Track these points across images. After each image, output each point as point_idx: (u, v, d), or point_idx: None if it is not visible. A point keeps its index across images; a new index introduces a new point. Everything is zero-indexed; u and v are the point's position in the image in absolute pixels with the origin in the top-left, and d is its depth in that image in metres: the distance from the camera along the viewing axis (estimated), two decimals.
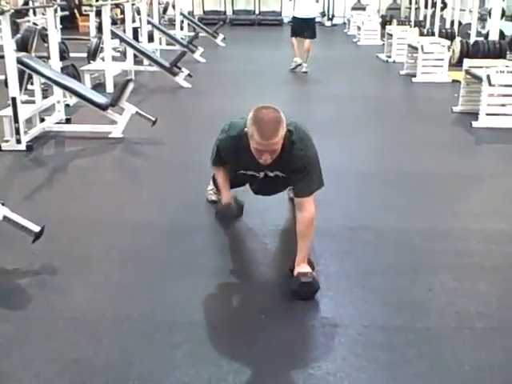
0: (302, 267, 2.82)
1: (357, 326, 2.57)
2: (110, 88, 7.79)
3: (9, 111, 5.09)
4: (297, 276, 2.78)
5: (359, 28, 14.03)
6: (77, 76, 6.97)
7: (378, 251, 3.30)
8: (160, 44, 11.84)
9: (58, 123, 5.91)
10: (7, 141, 5.17)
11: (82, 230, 3.57)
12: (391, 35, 10.88)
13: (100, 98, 5.53)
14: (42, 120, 5.81)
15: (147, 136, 5.57)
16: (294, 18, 9.64)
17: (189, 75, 8.28)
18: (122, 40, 8.30)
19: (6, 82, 5.86)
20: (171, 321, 2.62)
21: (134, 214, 3.79)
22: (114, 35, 8.17)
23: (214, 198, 3.76)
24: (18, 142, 5.10)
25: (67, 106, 6.61)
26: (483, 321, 2.62)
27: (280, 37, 15.93)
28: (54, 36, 5.96)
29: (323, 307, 2.73)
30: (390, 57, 10.84)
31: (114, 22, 9.80)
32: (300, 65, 9.51)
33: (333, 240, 3.43)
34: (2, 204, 3.18)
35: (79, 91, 5.53)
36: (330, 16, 19.43)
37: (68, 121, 6.08)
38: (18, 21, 7.22)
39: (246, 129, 2.71)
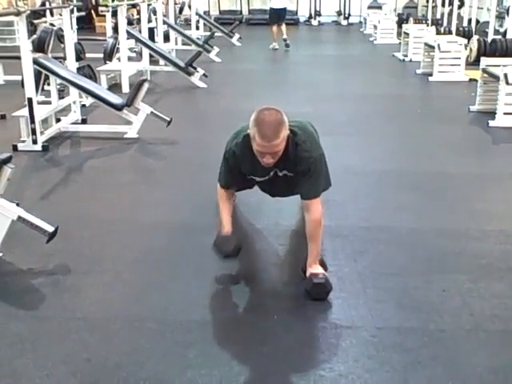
0: (314, 268, 2.80)
1: (370, 328, 2.55)
2: (125, 88, 7.83)
3: (25, 112, 5.13)
4: (309, 277, 2.77)
5: (375, 27, 13.96)
6: (93, 76, 7.01)
7: (392, 252, 3.28)
8: (176, 44, 11.88)
9: (73, 123, 5.96)
10: (24, 141, 5.22)
11: (96, 229, 3.58)
12: (408, 34, 10.81)
13: (115, 99, 5.55)
14: (58, 120, 5.86)
15: (162, 136, 5.58)
16: (270, 8, 12.37)
17: (204, 75, 8.29)
18: (138, 40, 8.33)
19: (22, 83, 5.93)
20: (183, 320, 2.61)
21: (148, 215, 3.80)
22: (130, 35, 8.19)
23: None
24: (34, 142, 5.14)
25: (83, 106, 6.67)
26: (498, 323, 2.59)
27: (296, 35, 15.90)
28: (70, 37, 5.99)
29: (336, 308, 2.71)
30: (406, 56, 10.76)
31: (130, 23, 9.85)
32: (277, 49, 12.26)
33: (346, 240, 3.40)
34: (17, 204, 3.20)
35: (95, 92, 5.55)
36: (347, 15, 19.35)
37: (84, 121, 6.13)
38: (35, 21, 7.27)
39: (248, 131, 2.68)
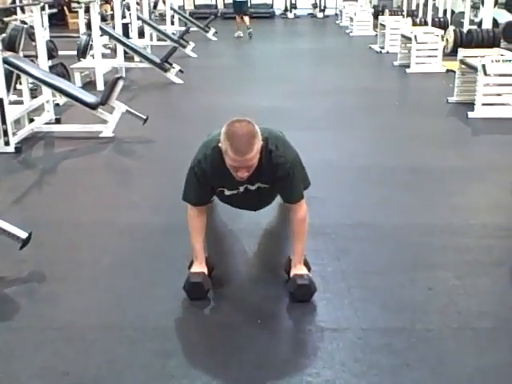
0: (298, 269, 2.73)
1: (356, 329, 2.48)
2: (100, 86, 7.68)
3: None
4: (293, 278, 2.70)
5: (351, 19, 13.91)
6: (66, 75, 6.87)
7: (376, 249, 3.22)
8: (151, 40, 11.71)
9: (47, 123, 5.81)
10: None
11: (72, 234, 3.48)
12: (384, 26, 10.78)
13: (89, 97, 5.43)
14: (32, 120, 5.72)
15: (138, 134, 5.47)
16: (233, 1, 13.57)
17: (180, 71, 8.17)
18: (112, 37, 8.18)
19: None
20: (163, 328, 2.53)
21: (126, 216, 3.70)
22: (103, 32, 8.04)
23: None
24: (7, 143, 5.00)
25: (57, 105, 6.52)
26: (486, 320, 2.55)
27: (272, 29, 15.85)
28: (41, 34, 5.85)
29: (320, 310, 2.64)
30: (383, 48, 10.74)
31: (103, 19, 9.70)
32: (242, 36, 13.42)
33: (329, 238, 3.34)
34: None
35: (68, 90, 5.42)
36: (322, 7, 19.29)
37: (58, 121, 5.98)
38: (6, 19, 7.10)
39: (219, 144, 2.51)
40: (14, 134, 5.12)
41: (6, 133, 4.97)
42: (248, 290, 2.87)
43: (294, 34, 15.36)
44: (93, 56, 8.83)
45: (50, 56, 6.79)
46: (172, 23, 13.51)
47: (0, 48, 4.78)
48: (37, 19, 5.71)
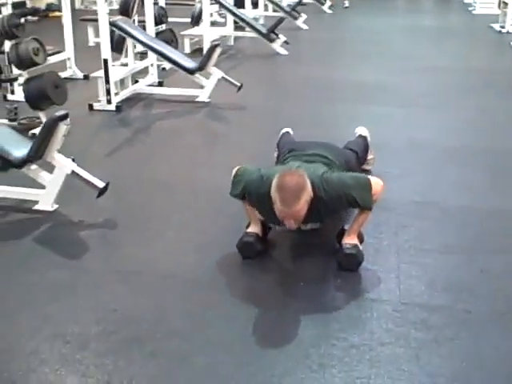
0: (349, 238, 2.78)
1: (394, 302, 2.51)
2: None
3: (102, 73, 5.32)
4: (342, 247, 2.76)
5: None
6: (174, 40, 7.13)
7: (439, 229, 3.19)
8: (267, 10, 11.82)
9: (150, 85, 6.11)
10: (100, 101, 5.43)
11: (150, 189, 3.70)
12: (506, 3, 10.20)
13: (188, 63, 5.65)
14: (136, 82, 6.05)
15: (232, 101, 5.64)
16: None
17: (286, 42, 8.23)
18: (221, 5, 8.36)
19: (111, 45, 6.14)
20: (211, 281, 2.68)
21: (204, 178, 3.87)
22: (214, 0, 8.24)
23: None
24: (109, 102, 5.34)
25: (163, 69, 6.84)
26: None
27: (394, 5, 15.40)
28: (150, 1, 6.12)
29: (365, 280, 2.69)
30: (503, 27, 10.18)
31: None
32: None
33: (394, 213, 3.34)
34: (73, 160, 3.37)
35: (169, 55, 5.67)
36: None
37: (160, 84, 6.28)
38: None
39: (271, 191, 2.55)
40: (116, 93, 5.45)
41: (108, 92, 5.31)
42: (298, 255, 2.96)
43: (413, 10, 14.85)
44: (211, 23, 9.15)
45: (160, 21, 7.08)
46: None
47: (107, 11, 5.03)
48: None
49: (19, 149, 3.28)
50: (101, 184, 3.29)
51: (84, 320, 2.40)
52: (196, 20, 9.02)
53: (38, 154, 3.22)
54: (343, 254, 2.73)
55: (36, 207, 3.36)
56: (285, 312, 2.47)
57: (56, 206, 3.37)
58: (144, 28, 6.20)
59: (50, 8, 11.82)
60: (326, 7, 13.15)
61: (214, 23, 9.85)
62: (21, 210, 3.38)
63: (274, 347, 2.27)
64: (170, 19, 10.30)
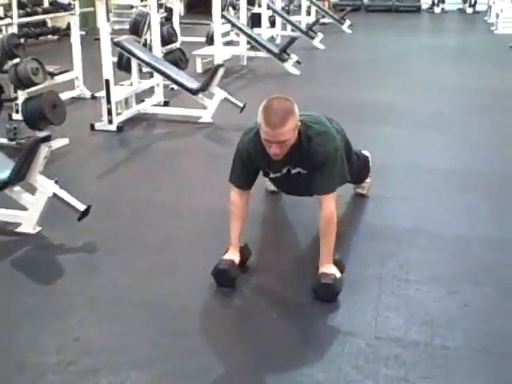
0: (325, 267, 2.69)
1: (368, 337, 2.40)
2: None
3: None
4: (318, 276, 2.66)
5: (497, 15, 13.07)
6: (183, 60, 7.12)
7: (427, 258, 3.07)
8: (285, 30, 11.82)
9: (155, 105, 6.10)
10: (102, 121, 5.42)
11: (135, 211, 3.65)
12: None
13: (191, 83, 5.63)
14: (142, 101, 6.04)
15: (235, 122, 5.57)
16: None
17: (297, 62, 8.18)
18: (233, 25, 8.36)
19: (118, 64, 6.17)
20: (183, 308, 2.61)
21: (194, 199, 3.81)
22: (226, 20, 8.25)
23: (272, 188, 3.68)
24: (110, 122, 5.33)
25: (171, 89, 6.82)
26: None
27: (415, 24, 15.32)
28: (157, 21, 6.14)
29: (341, 311, 2.58)
30: None
31: (233, 7, 9.89)
32: None
33: (382, 241, 3.23)
34: (56, 182, 3.32)
35: (172, 75, 5.66)
36: (473, 2, 18.28)
37: (166, 103, 6.27)
38: (134, 4, 7.55)
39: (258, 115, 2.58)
40: (118, 113, 5.44)
41: (110, 112, 5.30)
42: (276, 283, 2.85)
43: (436, 29, 14.77)
44: (223, 43, 9.16)
45: (170, 41, 7.08)
46: (309, 14, 13.51)
47: (109, 31, 5.04)
48: (153, 5, 6.00)
49: (1, 170, 3.25)
50: (82, 207, 3.25)
51: (44, 348, 2.33)
52: (211, 39, 9.02)
53: (19, 175, 3.19)
54: (319, 283, 2.63)
55: (18, 229, 3.32)
56: (251, 344, 2.37)
57: (39, 229, 3.33)
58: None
59: (69, 27, 12.00)
60: (345, 27, 13.10)
61: (229, 43, 9.86)
62: (3, 232, 3.35)
63: (235, 382, 2.17)
64: (186, 38, 10.42)
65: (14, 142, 4.85)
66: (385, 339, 2.39)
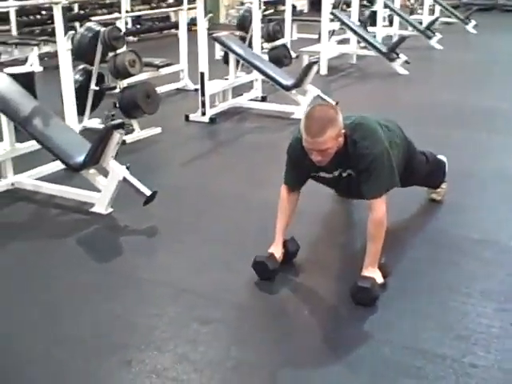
0: (367, 271, 2.64)
1: (396, 345, 2.34)
2: (323, 70, 7.88)
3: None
4: (357, 279, 2.62)
5: None
6: (288, 56, 7.17)
7: (486, 271, 2.91)
8: (406, 29, 11.52)
9: (252, 100, 6.21)
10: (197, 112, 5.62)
11: (209, 201, 3.75)
12: None
13: (285, 79, 5.68)
14: (240, 95, 6.18)
15: None
16: None
17: (406, 62, 7.96)
18: (342, 23, 8.29)
19: (224, 59, 6.38)
20: (221, 299, 2.67)
21: (269, 195, 3.79)
22: (335, 17, 8.21)
23: None
24: (203, 114, 5.51)
25: (272, 85, 6.89)
26: None
27: None
28: (258, 18, 6.22)
29: (377, 317, 2.52)
30: None
31: (348, 5, 9.80)
32: None
33: (445, 250, 3.11)
34: (127, 167, 3.51)
35: (266, 71, 5.74)
36: None
37: (264, 99, 6.36)
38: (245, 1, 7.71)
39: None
40: (213, 106, 5.61)
41: (203, 104, 5.48)
42: (319, 281, 2.84)
43: None
44: (339, 41, 9.15)
45: (274, 38, 7.15)
46: (432, 12, 13.05)
47: (206, 26, 5.20)
48: (255, 2, 6.11)
49: (80, 153, 3.48)
50: (148, 192, 3.41)
51: (83, 323, 2.50)
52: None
53: (93, 159, 3.41)
54: (356, 287, 2.59)
55: (92, 209, 3.55)
56: (275, 340, 2.39)
57: (110, 210, 3.54)
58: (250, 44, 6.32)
59: (194, 22, 12.45)
60: (470, 27, 12.53)
61: (343, 41, 9.78)
62: (79, 210, 3.59)
63: (251, 375, 2.21)
64: (303, 35, 10.48)
65: None
66: (412, 349, 2.32)
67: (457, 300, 2.66)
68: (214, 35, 5.75)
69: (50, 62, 7.91)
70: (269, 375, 2.19)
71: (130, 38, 11.40)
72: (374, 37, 8.72)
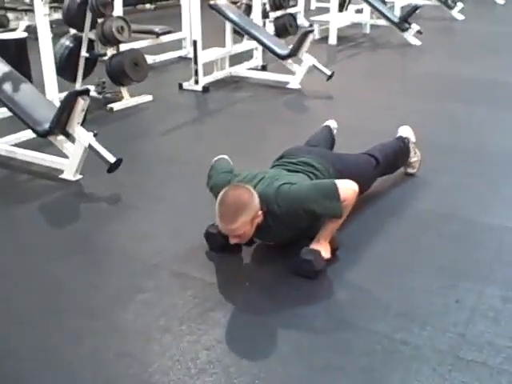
0: (315, 244, 2.58)
1: (331, 319, 2.28)
2: (332, 40, 7.72)
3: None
4: (301, 252, 2.55)
5: None
6: (293, 26, 7.00)
7: (445, 246, 2.81)
8: None
9: (251, 69, 6.11)
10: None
11: (178, 169, 3.71)
12: None
13: (280, 49, 5.57)
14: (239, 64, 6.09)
15: (319, 89, 5.44)
16: None
17: (419, 32, 7.72)
18: None
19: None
20: (158, 267, 2.64)
21: (238, 163, 3.74)
22: None
23: None
24: (196, 82, 5.45)
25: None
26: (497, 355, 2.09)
27: None
28: None
29: (314, 290, 2.46)
30: None
31: None
32: None
33: (403, 224, 3.02)
34: (95, 134, 3.47)
35: (261, 39, 5.64)
36: None
37: (264, 68, 6.26)
38: None
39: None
40: (206, 74, 5.53)
41: (196, 72, 5.41)
42: (268, 255, 2.77)
43: None
44: (358, 10, 8.90)
45: (280, 6, 6.99)
46: None
47: None
48: None
49: (47, 119, 3.46)
50: (112, 159, 3.38)
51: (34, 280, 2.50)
52: (341, 5, 8.83)
53: (58, 126, 3.38)
54: (299, 258, 2.53)
55: (61, 176, 3.54)
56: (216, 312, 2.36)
57: (79, 177, 3.53)
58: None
59: None
60: None
61: (361, 10, 9.51)
62: (48, 176, 3.59)
63: None
64: (321, 4, 10.24)
65: (100, 96, 5.14)
66: (345, 323, 2.26)
67: (407, 276, 2.58)
68: (211, 3, 5.64)
69: (58, 29, 7.90)
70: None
71: (147, 6, 11.35)
72: (385, 4, 8.44)
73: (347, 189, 2.54)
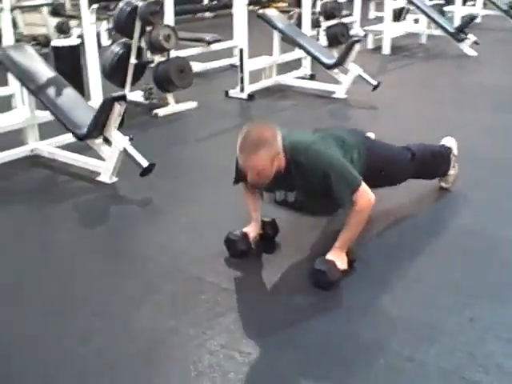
0: (332, 254, 2.57)
1: (337, 333, 2.27)
2: (386, 50, 7.64)
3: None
4: (316, 261, 2.55)
5: None
6: (345, 35, 6.97)
7: (463, 262, 2.75)
8: (489, 8, 10.88)
9: (299, 78, 6.13)
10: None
11: (207, 176, 3.76)
12: None
13: (326, 58, 5.56)
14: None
15: (364, 99, 5.40)
16: None
17: (475, 42, 7.54)
18: (409, 1, 7.95)
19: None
20: (178, 270, 2.69)
21: None
22: None
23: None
24: (242, 90, 5.51)
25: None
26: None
27: None
28: None
29: (327, 303, 2.46)
30: None
31: None
32: None
33: (424, 238, 2.97)
34: (130, 139, 3.57)
35: (308, 48, 5.65)
36: None
37: (312, 77, 6.26)
38: None
39: None
40: (254, 82, 5.59)
41: (242, 80, 5.47)
42: (285, 263, 2.76)
43: None
44: (415, 20, 8.77)
45: (332, 16, 6.99)
46: None
47: (246, 3, 5.18)
48: None
49: (86, 123, 3.58)
50: (145, 163, 3.47)
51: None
52: (397, 16, 8.76)
53: (95, 130, 3.50)
54: (313, 269, 2.53)
55: (97, 178, 3.66)
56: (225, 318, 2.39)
57: (115, 179, 3.64)
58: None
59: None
60: None
61: (417, 20, 9.38)
62: (85, 178, 3.71)
63: None
64: (376, 13, 10.15)
65: (147, 102, 5.27)
66: (352, 336, 2.24)
67: (423, 291, 2.53)
68: (259, 12, 5.71)
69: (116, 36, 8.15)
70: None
71: (206, 14, 11.52)
72: (444, 14, 8.29)
73: (365, 195, 2.54)
